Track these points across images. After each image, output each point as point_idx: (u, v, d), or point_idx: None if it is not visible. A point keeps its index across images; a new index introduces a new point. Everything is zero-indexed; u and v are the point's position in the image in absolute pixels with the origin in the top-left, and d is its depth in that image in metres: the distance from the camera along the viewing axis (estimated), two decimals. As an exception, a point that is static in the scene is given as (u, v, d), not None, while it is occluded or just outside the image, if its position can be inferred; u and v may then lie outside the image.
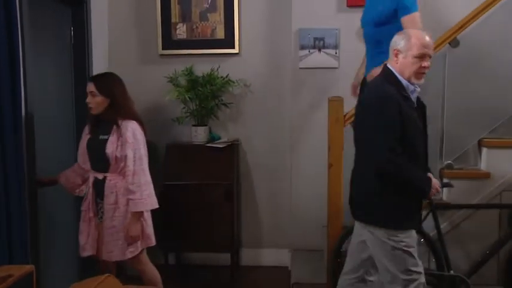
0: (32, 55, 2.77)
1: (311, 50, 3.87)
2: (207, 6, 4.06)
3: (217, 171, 3.84)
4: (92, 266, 3.08)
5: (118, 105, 2.79)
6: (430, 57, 2.44)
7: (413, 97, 2.48)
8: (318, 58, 3.87)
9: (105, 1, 4.06)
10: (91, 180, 2.80)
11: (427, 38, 2.43)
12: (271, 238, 4.16)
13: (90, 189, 2.79)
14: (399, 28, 2.84)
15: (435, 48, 3.16)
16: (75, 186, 2.93)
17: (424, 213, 3.18)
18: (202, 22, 4.09)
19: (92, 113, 2.81)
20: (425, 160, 2.58)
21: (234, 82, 4.00)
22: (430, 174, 2.56)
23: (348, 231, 3.35)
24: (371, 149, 2.44)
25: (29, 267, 1.91)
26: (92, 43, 3.67)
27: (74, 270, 3.42)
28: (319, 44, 3.87)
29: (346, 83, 3.64)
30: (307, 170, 3.85)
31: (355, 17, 3.74)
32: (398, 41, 2.46)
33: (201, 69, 3.98)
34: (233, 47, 4.05)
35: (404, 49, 2.42)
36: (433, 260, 3.23)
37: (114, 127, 2.77)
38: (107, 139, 2.75)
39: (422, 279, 2.52)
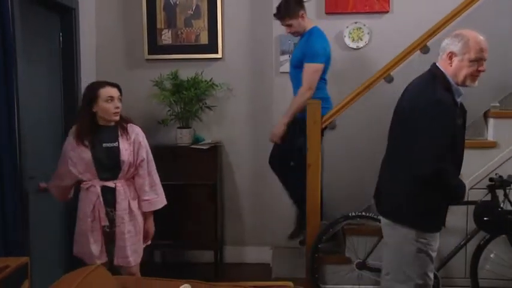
0: (23, 60, 2.89)
1: (291, 55, 4.03)
2: (192, 12, 4.21)
3: (201, 172, 3.98)
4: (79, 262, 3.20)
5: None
6: (485, 61, 2.39)
7: (459, 101, 2.45)
8: (297, 63, 4.04)
9: (93, 8, 4.19)
10: (98, 189, 2.76)
11: (484, 42, 2.37)
12: (253, 236, 4.31)
13: (100, 199, 2.76)
14: None
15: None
16: (67, 193, 2.98)
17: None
18: (187, 28, 4.24)
19: (114, 118, 2.81)
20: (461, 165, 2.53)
21: (217, 86, 4.15)
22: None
23: (326, 229, 3.53)
24: (419, 153, 2.34)
25: (24, 259, 2.04)
26: (80, 48, 3.80)
27: (63, 266, 3.55)
28: (299, 49, 4.05)
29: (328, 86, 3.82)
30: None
31: (333, 24, 3.96)
32: (453, 44, 2.39)
33: (186, 73, 4.12)
34: (216, 52, 4.21)
35: (461, 52, 2.36)
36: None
37: (120, 133, 2.81)
38: (117, 146, 2.78)
39: (431, 285, 2.54)
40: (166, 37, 4.25)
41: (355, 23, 3.97)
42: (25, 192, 2.86)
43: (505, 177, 3.25)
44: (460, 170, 2.50)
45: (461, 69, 2.38)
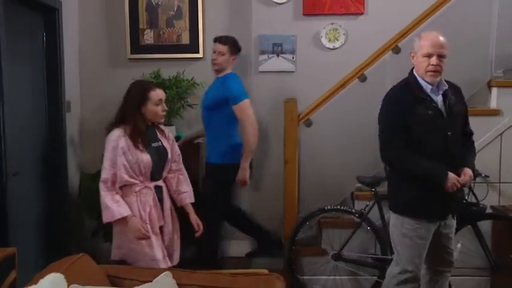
0: (7, 59, 2.98)
1: (270, 55, 4.16)
2: (173, 13, 4.32)
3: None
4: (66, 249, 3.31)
5: None
6: (441, 56, 2.64)
7: (436, 96, 2.70)
8: (276, 62, 4.16)
9: (76, 8, 4.28)
10: (153, 190, 2.82)
11: (437, 38, 2.65)
12: (232, 230, 4.42)
13: (156, 200, 2.82)
14: (228, 114, 3.56)
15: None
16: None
17: (370, 203, 3.55)
18: (169, 28, 4.35)
19: (161, 121, 2.94)
20: (451, 155, 2.70)
21: (198, 84, 4.25)
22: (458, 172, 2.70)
23: (302, 221, 3.68)
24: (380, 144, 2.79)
25: (11, 249, 2.14)
26: (64, 47, 3.89)
27: (45, 256, 3.65)
28: (277, 49, 4.16)
29: (302, 85, 3.98)
30: (265, 166, 4.14)
31: (311, 25, 4.10)
32: (414, 44, 2.72)
33: (168, 72, 4.23)
34: (198, 52, 4.32)
35: (417, 49, 2.69)
36: (378, 245, 3.59)
37: (157, 131, 2.92)
38: (162, 145, 2.89)
39: (418, 273, 2.80)
40: (149, 37, 4.35)
41: (332, 24, 4.11)
42: (9, 188, 2.94)
43: (470, 171, 3.42)
44: (443, 159, 2.67)
45: (418, 65, 2.69)
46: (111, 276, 2.05)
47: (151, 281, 2.01)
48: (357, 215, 3.57)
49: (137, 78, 4.19)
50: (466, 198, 3.35)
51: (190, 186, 3.05)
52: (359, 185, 3.72)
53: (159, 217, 2.82)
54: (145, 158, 2.73)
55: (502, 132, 3.68)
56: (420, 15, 3.70)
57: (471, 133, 2.94)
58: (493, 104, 3.77)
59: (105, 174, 2.69)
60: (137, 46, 4.35)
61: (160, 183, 2.86)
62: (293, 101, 3.58)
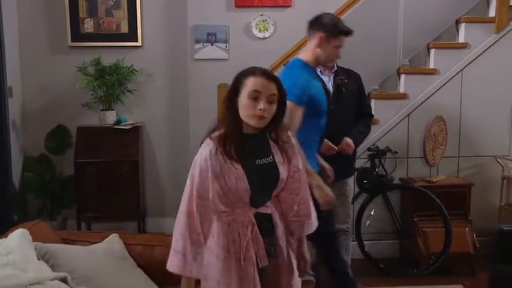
0: None
1: (205, 44, 4.45)
2: (112, 3, 4.53)
3: (125, 149, 4.36)
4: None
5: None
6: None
7: (325, 76, 3.28)
8: (210, 51, 4.45)
9: (15, -5, 4.40)
10: (253, 219, 1.94)
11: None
12: (173, 208, 4.69)
13: (254, 229, 1.94)
14: None
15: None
16: None
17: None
18: (108, 17, 4.56)
19: (259, 126, 1.93)
20: (336, 127, 3.12)
21: (137, 71, 4.50)
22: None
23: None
24: None
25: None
26: (4, 33, 3.95)
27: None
28: (211, 38, 4.46)
29: (235, 72, 4.26)
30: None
31: (242, 16, 4.44)
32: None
33: (108, 59, 4.44)
34: (136, 41, 4.57)
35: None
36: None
37: (273, 144, 2.01)
38: (273, 161, 1.98)
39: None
40: (89, 25, 4.55)
41: (261, 15, 4.46)
42: None
43: (381, 148, 3.92)
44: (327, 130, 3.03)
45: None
46: (64, 239, 2.34)
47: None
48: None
49: (78, 65, 4.42)
50: (377, 170, 3.85)
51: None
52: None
53: (262, 255, 1.95)
54: (241, 175, 1.91)
55: (409, 114, 4.19)
56: (338, 9, 4.12)
57: (366, 113, 3.49)
58: (402, 89, 4.27)
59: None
60: (77, 34, 4.53)
61: (265, 209, 1.99)
62: (226, 86, 3.91)
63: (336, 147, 3.25)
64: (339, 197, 3.29)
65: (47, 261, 2.10)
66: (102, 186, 4.26)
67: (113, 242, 2.36)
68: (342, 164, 3.28)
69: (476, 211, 4.07)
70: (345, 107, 3.37)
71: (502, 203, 4.19)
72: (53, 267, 2.10)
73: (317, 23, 2.78)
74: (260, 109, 1.86)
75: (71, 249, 2.22)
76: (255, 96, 1.87)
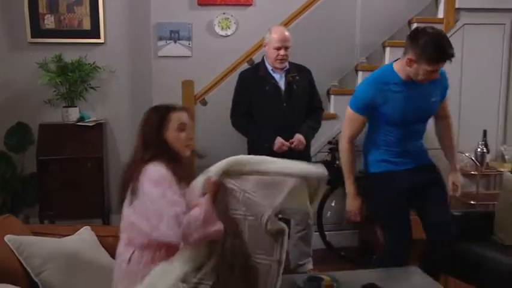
0: None
1: (168, 41, 4.51)
2: (73, -1, 4.53)
3: (88, 146, 4.36)
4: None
5: None
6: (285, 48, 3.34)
7: (277, 74, 3.41)
8: (174, 48, 4.51)
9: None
10: None
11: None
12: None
13: None
14: None
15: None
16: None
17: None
18: (69, 14, 4.55)
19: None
20: (288, 124, 3.38)
21: (100, 68, 4.52)
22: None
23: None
24: None
25: None
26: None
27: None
28: (174, 36, 4.52)
29: (198, 69, 4.38)
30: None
31: (205, 14, 4.52)
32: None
33: (70, 56, 4.43)
34: (99, 37, 4.57)
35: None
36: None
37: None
38: None
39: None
40: (49, 21, 4.52)
41: (224, 13, 4.55)
42: None
43: (341, 141, 4.09)
44: (280, 126, 3.35)
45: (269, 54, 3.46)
46: (36, 232, 2.37)
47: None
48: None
49: (39, 62, 4.38)
50: (337, 163, 4.02)
51: None
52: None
53: None
54: None
55: (367, 109, 4.38)
56: (299, 7, 4.27)
57: (317, 107, 3.62)
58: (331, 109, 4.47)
59: None
60: (38, 30, 4.49)
61: None
62: (190, 82, 4.00)
63: (287, 144, 3.36)
64: None
65: (21, 253, 2.13)
66: (65, 184, 4.26)
67: (85, 234, 2.40)
68: (297, 159, 3.38)
69: (429, 200, 4.29)
70: (297, 104, 3.48)
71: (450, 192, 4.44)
72: (28, 259, 2.13)
73: None
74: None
75: (45, 241, 2.25)
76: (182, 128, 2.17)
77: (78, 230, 2.47)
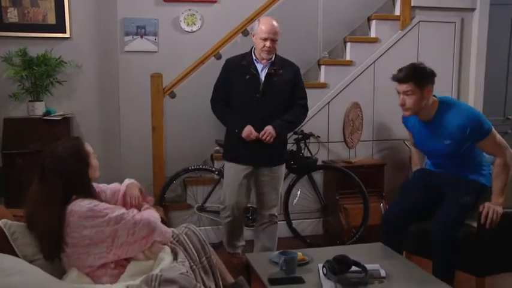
0: None
1: (134, 37, 4.55)
2: (37, -7, 4.51)
3: (55, 140, 4.33)
4: None
5: None
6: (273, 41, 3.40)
7: (260, 65, 3.45)
8: (140, 43, 4.55)
9: None
10: None
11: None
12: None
13: None
14: None
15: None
16: None
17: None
18: (34, 8, 4.51)
19: None
20: (263, 113, 3.41)
21: (66, 63, 4.51)
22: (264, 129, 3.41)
23: (170, 181, 4.21)
24: None
25: None
26: None
27: None
28: (141, 31, 4.56)
29: (165, 63, 4.45)
30: (135, 134, 4.53)
31: (171, 10, 4.59)
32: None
33: (36, 50, 4.39)
34: (65, 32, 4.55)
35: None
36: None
37: None
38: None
39: (228, 212, 3.51)
40: (13, 15, 4.47)
41: (189, 10, 4.62)
42: None
43: (306, 131, 4.26)
44: (254, 115, 3.41)
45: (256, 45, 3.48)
46: (16, 216, 2.40)
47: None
48: (216, 173, 4.19)
49: (2, 55, 4.33)
50: (303, 152, 4.18)
51: None
52: (217, 147, 4.36)
53: None
54: None
55: (329, 102, 4.58)
56: (263, 5, 4.41)
57: (299, 104, 3.55)
58: (322, 79, 4.65)
59: None
60: (0, 24, 4.45)
61: None
62: (159, 75, 4.08)
63: (256, 134, 3.38)
64: (268, 184, 3.57)
65: (15, 240, 2.16)
66: (32, 178, 4.21)
67: None
68: (269, 151, 3.47)
69: (388, 188, 4.54)
70: (274, 96, 3.46)
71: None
72: (21, 246, 2.16)
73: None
74: None
75: None
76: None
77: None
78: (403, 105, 2.92)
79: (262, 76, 3.46)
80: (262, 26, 3.41)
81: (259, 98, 3.44)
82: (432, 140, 3.02)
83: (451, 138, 2.92)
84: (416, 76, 2.87)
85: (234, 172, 3.50)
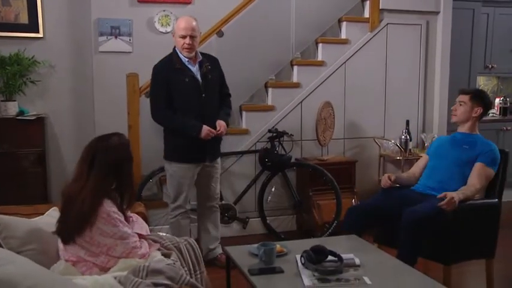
0: None
1: (109, 37, 4.58)
2: (9, -8, 4.48)
3: (29, 140, 4.33)
4: None
5: None
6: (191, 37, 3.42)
7: (192, 66, 3.47)
8: (115, 44, 4.59)
9: None
10: None
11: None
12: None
13: None
14: None
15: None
16: None
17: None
18: (5, 7, 4.49)
19: None
20: (207, 112, 3.51)
21: (39, 63, 4.50)
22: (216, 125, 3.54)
23: (146, 179, 4.25)
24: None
25: None
26: None
27: None
28: (115, 31, 4.59)
29: (139, 64, 4.46)
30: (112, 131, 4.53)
31: (145, 11, 4.64)
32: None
33: (8, 50, 4.38)
34: (38, 32, 4.54)
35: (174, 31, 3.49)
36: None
37: None
38: None
39: (185, 206, 3.63)
40: (-16, 15, 4.45)
41: (164, 11, 4.69)
42: None
43: (280, 130, 4.37)
44: (200, 116, 3.49)
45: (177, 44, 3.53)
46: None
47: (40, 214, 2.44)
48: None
49: (-26, 55, 4.29)
50: (277, 150, 4.29)
51: None
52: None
53: None
54: None
55: (302, 101, 4.70)
56: (237, 6, 4.50)
57: (227, 94, 3.75)
58: (295, 79, 4.76)
59: None
60: (-29, 23, 4.42)
61: None
62: (135, 75, 4.11)
63: (214, 131, 3.49)
64: (210, 178, 3.70)
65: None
66: (6, 178, 4.21)
67: (55, 215, 2.44)
68: (213, 147, 3.64)
69: (360, 184, 4.70)
70: (213, 93, 3.60)
71: (380, 177, 4.85)
72: (6, 239, 2.17)
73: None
74: None
75: (20, 221, 2.30)
76: None
77: (40, 210, 2.53)
78: (454, 110, 3.36)
79: (199, 76, 3.54)
80: (179, 24, 3.48)
81: (202, 98, 3.52)
82: (453, 147, 3.34)
83: (470, 145, 3.27)
84: (476, 94, 3.34)
85: (184, 172, 3.56)
